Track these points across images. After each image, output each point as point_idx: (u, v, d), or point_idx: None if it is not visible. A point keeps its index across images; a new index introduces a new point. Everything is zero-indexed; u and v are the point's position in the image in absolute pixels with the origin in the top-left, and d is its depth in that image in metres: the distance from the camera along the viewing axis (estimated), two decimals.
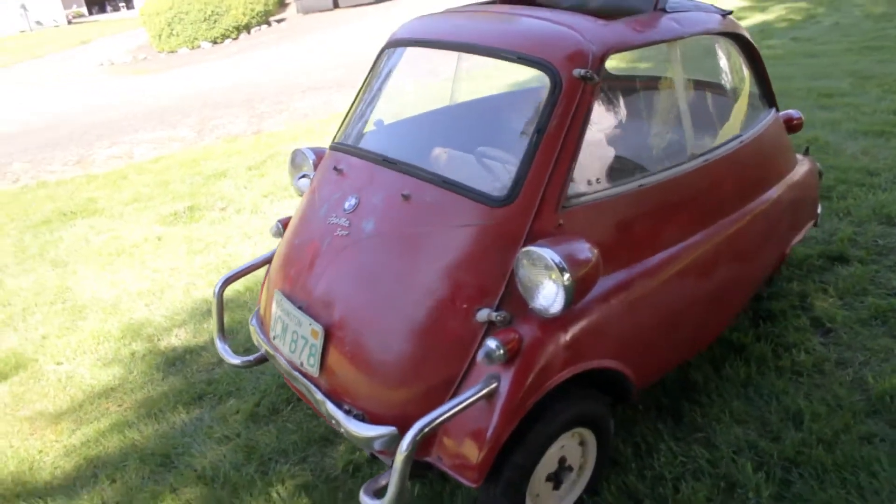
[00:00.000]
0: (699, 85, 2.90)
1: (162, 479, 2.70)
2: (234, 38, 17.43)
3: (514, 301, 2.12)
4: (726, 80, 2.88)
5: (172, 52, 17.09)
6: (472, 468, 2.01)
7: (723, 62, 2.84)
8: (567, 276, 1.98)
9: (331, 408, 2.24)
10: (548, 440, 2.17)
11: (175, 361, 3.46)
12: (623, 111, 2.69)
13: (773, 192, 2.87)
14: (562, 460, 2.30)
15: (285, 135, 7.58)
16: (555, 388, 2.12)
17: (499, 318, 2.08)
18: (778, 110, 3.03)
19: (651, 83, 3.10)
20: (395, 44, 2.80)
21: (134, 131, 8.78)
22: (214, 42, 17.19)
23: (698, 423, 2.70)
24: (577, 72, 2.18)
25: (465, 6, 2.82)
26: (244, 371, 3.25)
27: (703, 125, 2.67)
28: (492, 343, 2.01)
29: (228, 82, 11.92)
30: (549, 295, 2.04)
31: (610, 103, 2.64)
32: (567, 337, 2.12)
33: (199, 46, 17.02)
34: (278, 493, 2.56)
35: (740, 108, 2.79)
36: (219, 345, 2.78)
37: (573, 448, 2.33)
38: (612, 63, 2.49)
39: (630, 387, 2.35)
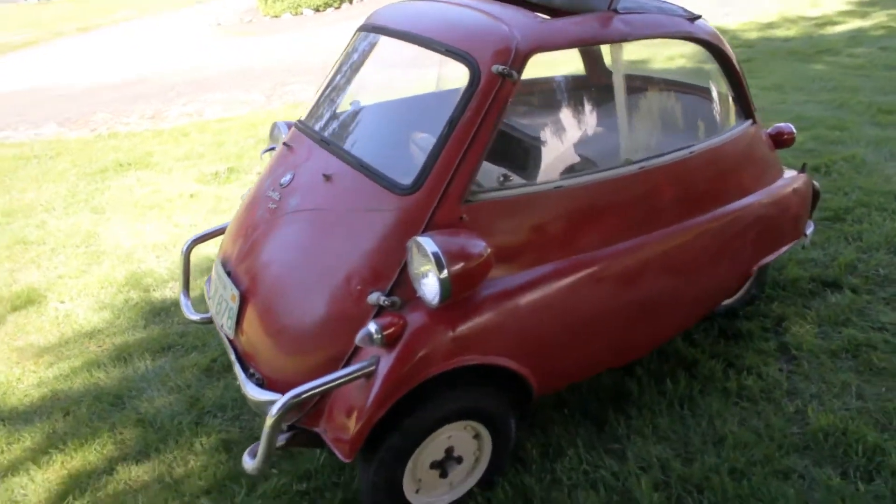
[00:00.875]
0: (652, 89, 2.81)
1: (108, 417, 2.92)
2: (337, 7, 17.80)
3: (409, 288, 2.16)
4: (687, 86, 2.78)
5: (276, 16, 17.66)
6: (345, 443, 2.08)
7: (688, 68, 2.74)
8: (444, 270, 2.01)
9: (237, 369, 2.37)
10: (428, 427, 2.21)
11: (160, 312, 3.70)
12: (554, 110, 2.65)
13: (735, 207, 2.75)
14: (450, 450, 2.34)
15: None
16: (442, 377, 2.16)
17: (387, 302, 2.13)
18: (755, 122, 2.89)
19: (587, 85, 3.03)
20: (363, 28, 2.87)
21: (213, 91, 9.21)
22: (317, 10, 17.62)
23: (618, 433, 2.67)
24: (496, 68, 2.18)
25: None
26: (214, 328, 3.44)
27: (646, 131, 2.60)
28: (371, 326, 2.07)
29: (318, 50, 12.21)
30: (430, 286, 2.08)
31: (539, 101, 2.61)
32: (455, 329, 2.15)
33: (301, 13, 17.51)
34: (201, 444, 2.72)
35: (703, 116, 2.69)
36: (182, 300, 2.96)
37: (465, 440, 2.36)
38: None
39: (529, 388, 2.35)
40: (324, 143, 2.55)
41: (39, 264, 4.32)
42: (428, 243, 2.03)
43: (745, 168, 2.84)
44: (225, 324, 2.48)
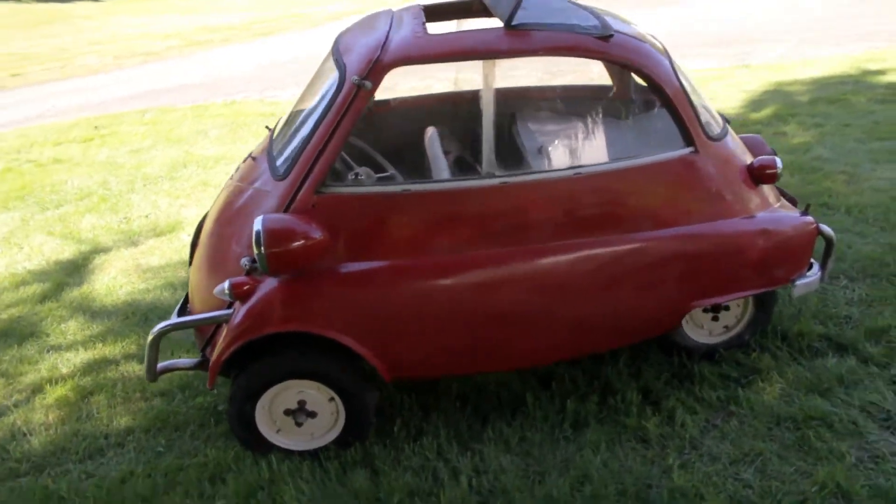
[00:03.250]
0: (548, 107, 2.76)
1: (149, 326, 3.75)
2: None
3: None
4: (588, 105, 2.69)
5: None
6: (208, 372, 2.60)
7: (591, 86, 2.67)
8: (261, 247, 2.38)
9: (181, 302, 3.02)
10: (270, 375, 2.62)
11: None
12: (440, 120, 2.75)
13: (644, 237, 2.62)
14: (302, 403, 2.70)
15: None
16: (292, 338, 2.55)
17: (248, 266, 2.57)
18: (698, 151, 2.68)
19: (460, 98, 2.99)
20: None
21: None
22: None
23: (488, 436, 2.76)
24: (353, 78, 2.47)
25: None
26: None
27: (523, 147, 2.61)
28: (225, 283, 2.54)
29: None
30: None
31: (433, 111, 2.74)
32: (294, 299, 2.53)
33: None
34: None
35: (612, 138, 2.60)
36: None
37: (319, 399, 2.69)
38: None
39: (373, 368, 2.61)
40: (270, 131, 3.03)
41: (201, 204, 5.41)
42: (258, 222, 2.42)
43: (668, 197, 2.67)
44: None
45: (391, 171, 2.99)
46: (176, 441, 2.88)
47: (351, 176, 2.64)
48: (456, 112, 3.50)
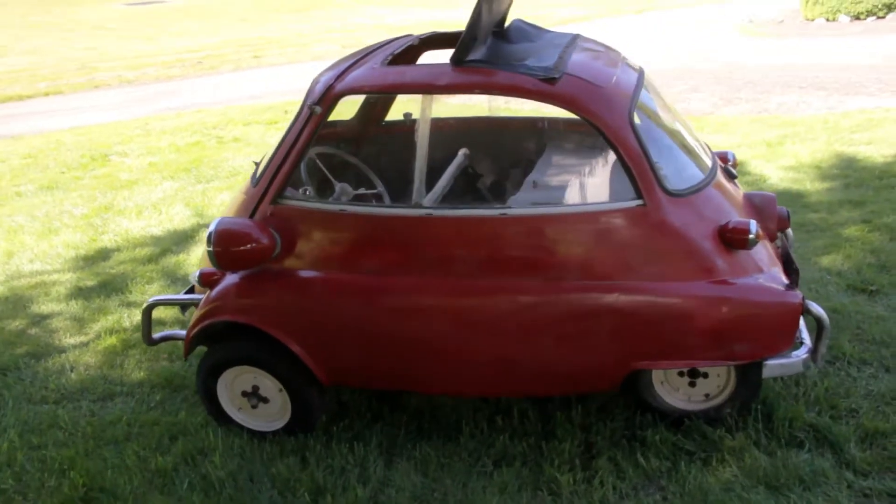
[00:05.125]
0: (493, 148, 2.70)
1: None
2: (881, 17, 15.70)
3: None
4: (547, 142, 2.62)
5: (810, 20, 16.51)
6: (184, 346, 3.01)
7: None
8: (210, 245, 2.70)
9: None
10: (226, 357, 2.94)
11: None
12: (369, 147, 2.81)
13: (574, 287, 2.54)
14: (256, 388, 2.99)
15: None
16: (249, 329, 2.87)
17: None
18: (646, 205, 2.51)
19: (409, 129, 2.94)
20: None
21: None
22: (857, 17, 15.85)
23: (412, 453, 2.84)
24: (310, 104, 2.69)
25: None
26: None
27: (458, 182, 2.63)
28: (196, 272, 2.92)
29: (833, 62, 10.77)
30: None
31: (384, 139, 2.83)
32: (244, 294, 2.84)
33: (836, 19, 15.99)
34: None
35: (550, 183, 2.54)
36: None
37: (271, 388, 2.96)
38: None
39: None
40: None
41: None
42: (213, 224, 2.73)
43: (605, 249, 2.54)
44: None
45: (380, 188, 3.16)
46: (167, 400, 3.31)
47: (303, 191, 2.86)
48: (488, 136, 3.58)
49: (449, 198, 3.15)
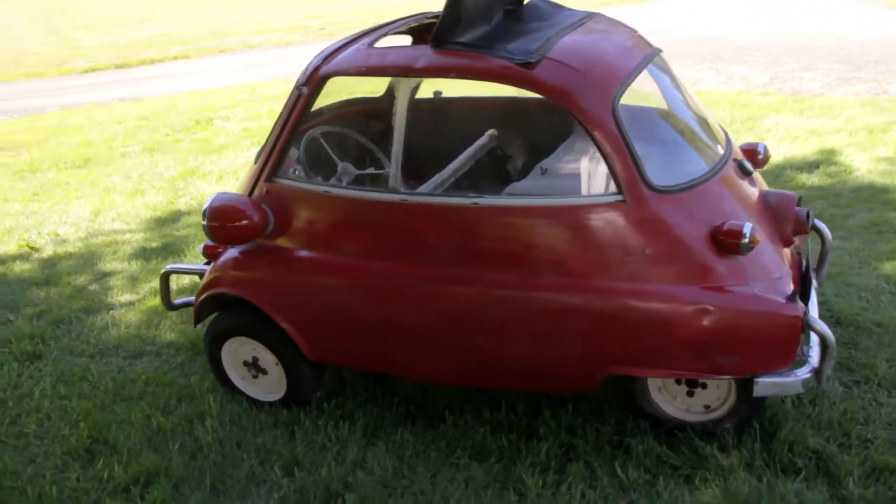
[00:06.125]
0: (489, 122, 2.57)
1: None
2: None
3: None
4: (510, 136, 2.47)
5: None
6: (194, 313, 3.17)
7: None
8: (205, 220, 2.79)
9: None
10: (226, 328, 3.05)
11: None
12: (357, 128, 2.73)
13: (545, 284, 2.43)
14: (255, 360, 3.09)
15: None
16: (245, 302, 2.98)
17: None
18: (626, 201, 2.32)
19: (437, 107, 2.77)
20: None
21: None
22: None
23: (399, 438, 2.84)
24: (297, 84, 2.70)
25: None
26: None
27: (432, 167, 2.54)
28: (201, 245, 3.04)
29: None
30: None
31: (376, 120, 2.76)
32: (237, 268, 2.94)
33: None
34: None
35: (530, 166, 2.41)
36: None
37: (269, 360, 3.05)
38: None
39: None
40: None
41: None
42: (208, 200, 2.82)
43: (579, 246, 2.39)
44: None
45: (387, 168, 3.14)
46: (187, 363, 3.48)
47: (292, 171, 2.88)
48: (519, 118, 3.45)
49: (468, 180, 3.08)
